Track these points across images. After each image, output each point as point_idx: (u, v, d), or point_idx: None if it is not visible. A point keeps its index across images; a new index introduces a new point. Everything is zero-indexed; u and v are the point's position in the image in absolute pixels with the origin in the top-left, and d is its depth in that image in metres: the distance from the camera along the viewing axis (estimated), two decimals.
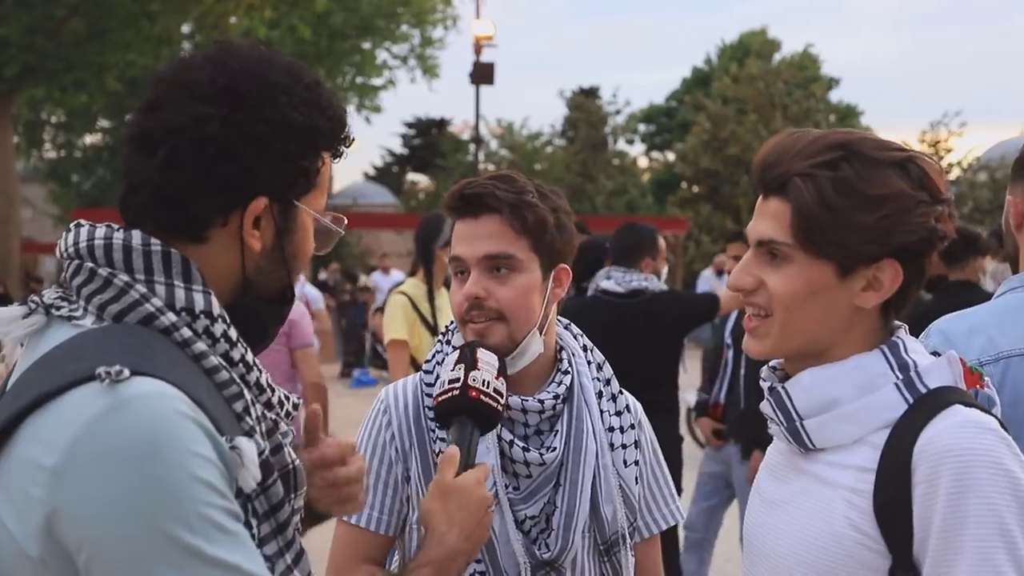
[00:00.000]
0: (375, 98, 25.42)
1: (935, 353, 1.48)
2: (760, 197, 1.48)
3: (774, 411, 1.48)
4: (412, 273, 5.07)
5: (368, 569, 1.84)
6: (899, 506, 1.33)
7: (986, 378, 1.48)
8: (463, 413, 1.65)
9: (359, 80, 24.77)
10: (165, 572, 1.05)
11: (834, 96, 32.24)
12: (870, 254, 1.39)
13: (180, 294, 1.21)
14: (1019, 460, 1.31)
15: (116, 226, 1.25)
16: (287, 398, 1.34)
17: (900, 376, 1.41)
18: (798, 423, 1.44)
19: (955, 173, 29.94)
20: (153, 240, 1.22)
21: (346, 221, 1.42)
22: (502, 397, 1.67)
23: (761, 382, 1.54)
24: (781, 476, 1.53)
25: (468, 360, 1.68)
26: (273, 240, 1.29)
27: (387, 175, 44.96)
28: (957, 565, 1.27)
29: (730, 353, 5.42)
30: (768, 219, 1.44)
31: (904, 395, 1.39)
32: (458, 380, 1.65)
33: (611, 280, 4.71)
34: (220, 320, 1.23)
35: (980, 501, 1.27)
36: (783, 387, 1.47)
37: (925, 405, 1.37)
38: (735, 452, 5.24)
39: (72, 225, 1.26)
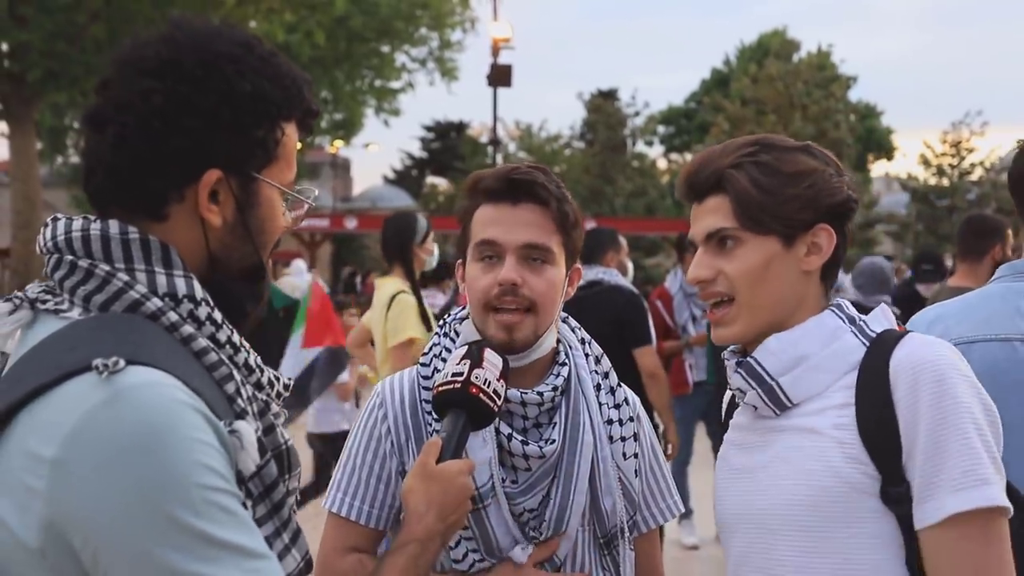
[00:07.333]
0: (394, 101, 25.43)
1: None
2: (695, 206, 1.66)
3: (746, 379, 1.61)
4: (385, 273, 5.15)
5: (355, 557, 1.84)
6: (885, 420, 1.49)
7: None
8: (459, 407, 1.68)
9: (378, 83, 24.79)
10: (174, 556, 1.05)
11: (854, 95, 32.05)
12: (806, 220, 1.60)
13: (162, 280, 1.22)
14: (967, 367, 1.53)
15: (92, 217, 1.26)
16: (277, 379, 1.35)
17: (852, 327, 1.61)
18: (773, 383, 1.58)
19: (978, 173, 29.66)
20: (131, 228, 1.23)
21: (317, 193, 1.40)
22: (499, 398, 1.71)
23: (726, 363, 1.67)
24: (753, 445, 1.64)
25: (475, 357, 1.72)
26: (235, 215, 1.28)
27: (406, 178, 45.09)
28: (947, 456, 1.45)
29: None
30: (710, 215, 1.63)
31: (861, 340, 1.60)
32: (461, 375, 1.69)
33: None
34: (203, 303, 1.24)
35: (956, 401, 1.47)
36: (752, 356, 1.61)
37: (882, 341, 1.57)
38: None
39: (49, 220, 1.26)
